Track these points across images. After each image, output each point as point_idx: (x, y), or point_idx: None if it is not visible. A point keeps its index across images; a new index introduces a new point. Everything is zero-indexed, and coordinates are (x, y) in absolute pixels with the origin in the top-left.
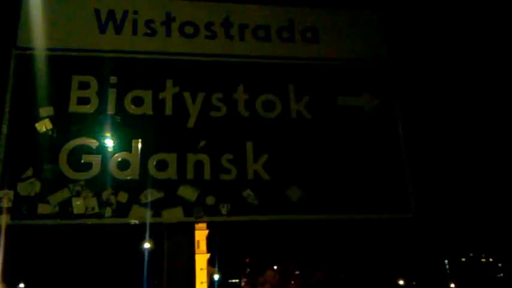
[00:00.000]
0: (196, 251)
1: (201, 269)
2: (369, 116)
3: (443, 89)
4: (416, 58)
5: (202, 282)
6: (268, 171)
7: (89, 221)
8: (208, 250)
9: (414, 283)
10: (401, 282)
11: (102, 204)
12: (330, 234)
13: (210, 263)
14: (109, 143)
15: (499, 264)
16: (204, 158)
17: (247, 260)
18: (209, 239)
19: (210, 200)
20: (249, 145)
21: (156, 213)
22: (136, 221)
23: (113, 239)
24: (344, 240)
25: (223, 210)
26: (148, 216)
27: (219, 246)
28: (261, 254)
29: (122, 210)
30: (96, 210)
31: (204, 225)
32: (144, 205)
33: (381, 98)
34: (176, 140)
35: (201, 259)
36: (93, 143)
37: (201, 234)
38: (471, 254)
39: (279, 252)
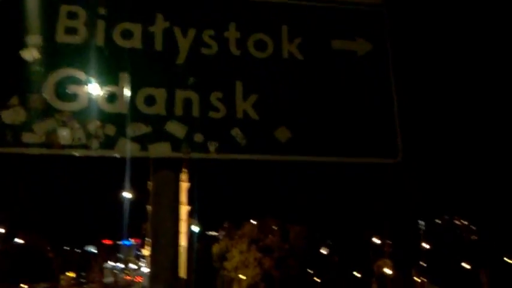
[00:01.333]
0: None
1: (181, 219)
2: (362, 61)
3: (437, 36)
4: (411, 4)
5: (181, 232)
6: (257, 111)
7: (76, 152)
8: (189, 203)
9: (389, 242)
10: (377, 241)
11: (89, 136)
12: (309, 190)
13: (190, 215)
14: (96, 75)
15: (473, 227)
16: (193, 95)
17: (226, 218)
18: (190, 192)
19: (198, 138)
20: (239, 84)
21: (143, 148)
22: (123, 155)
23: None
24: (323, 197)
25: (212, 148)
26: (135, 150)
27: (199, 200)
28: (240, 209)
29: (109, 142)
30: (83, 141)
31: (185, 177)
32: (132, 139)
33: (374, 44)
34: (165, 75)
35: (182, 211)
36: (80, 74)
37: (182, 186)
38: (446, 217)
39: (257, 208)
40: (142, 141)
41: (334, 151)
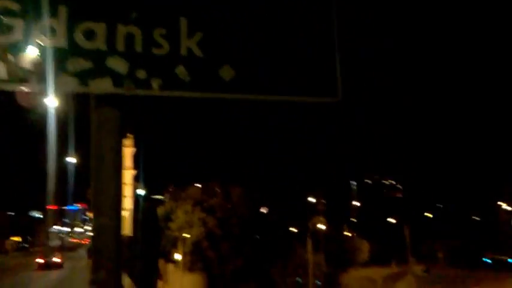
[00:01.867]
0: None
1: (126, 183)
2: (305, 1)
3: None
4: None
5: (125, 196)
6: (202, 49)
7: (11, 87)
8: (134, 168)
9: (323, 201)
10: (312, 200)
11: (26, 70)
12: (251, 156)
13: (136, 180)
14: (33, 6)
15: (399, 186)
16: (135, 30)
17: (171, 183)
18: (135, 157)
19: (141, 74)
20: (183, 21)
21: (83, 83)
22: (62, 90)
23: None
24: (259, 162)
25: (155, 85)
26: (74, 85)
27: (144, 164)
28: (184, 173)
29: (47, 77)
30: (21, 76)
31: (130, 142)
32: (71, 74)
33: None
34: (106, 9)
35: (127, 175)
36: (15, 5)
37: (127, 152)
38: (375, 177)
39: (202, 173)
40: (82, 76)
41: (276, 90)
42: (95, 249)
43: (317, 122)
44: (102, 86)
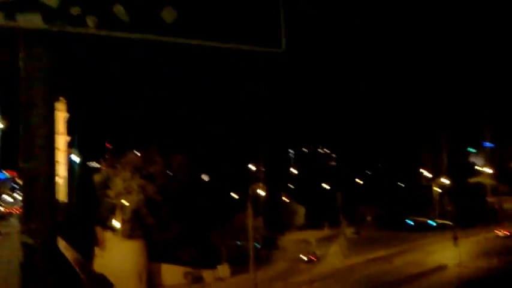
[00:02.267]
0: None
1: (59, 149)
2: None
3: None
4: None
5: (58, 162)
6: None
7: None
8: (69, 133)
9: (263, 168)
10: (252, 167)
11: None
12: (191, 122)
13: (70, 146)
14: None
15: (333, 155)
16: None
17: (108, 145)
18: (69, 123)
19: (75, 10)
20: None
21: (10, 16)
22: None
23: None
24: (201, 129)
25: (90, 23)
26: (1, 18)
27: (79, 131)
28: (122, 139)
29: None
30: None
31: (63, 107)
32: None
33: None
34: None
35: (60, 140)
36: None
37: (60, 116)
38: (312, 146)
39: (141, 138)
40: (8, 8)
41: (220, 36)
42: (25, 199)
43: (256, 92)
44: (31, 20)
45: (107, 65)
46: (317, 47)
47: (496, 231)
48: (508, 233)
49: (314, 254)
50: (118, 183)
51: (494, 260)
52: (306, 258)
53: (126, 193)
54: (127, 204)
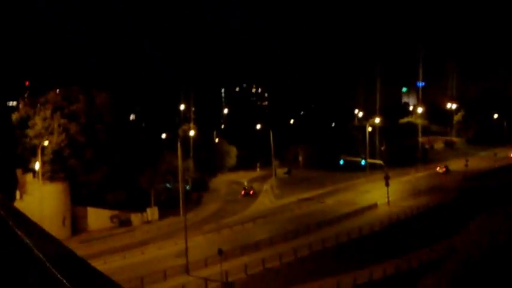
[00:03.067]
0: None
1: None
2: None
3: None
4: None
5: None
6: None
7: None
8: None
9: (193, 109)
10: (182, 107)
11: None
12: (115, 56)
13: None
14: None
15: (266, 94)
16: None
17: (27, 83)
18: None
19: None
20: None
21: None
22: None
23: None
24: (127, 64)
25: None
26: None
27: None
28: (42, 76)
29: None
30: None
31: None
32: None
33: None
34: None
35: None
36: None
37: None
38: (244, 85)
39: (62, 76)
40: None
41: None
42: None
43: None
44: None
45: None
46: (245, 4)
47: (437, 168)
48: (444, 169)
49: (252, 188)
50: (38, 123)
51: (422, 198)
52: (243, 193)
53: (47, 133)
54: (48, 144)
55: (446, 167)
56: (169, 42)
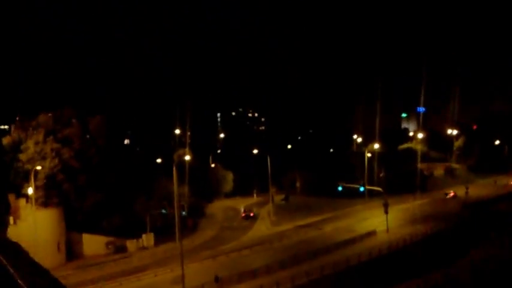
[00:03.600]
0: None
1: None
2: None
3: None
4: None
5: None
6: None
7: None
8: None
9: (188, 133)
10: (177, 131)
11: None
12: (108, 78)
13: None
14: None
15: (262, 119)
16: None
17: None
18: None
19: None
20: None
21: None
22: None
23: None
24: (121, 89)
25: None
26: None
27: None
28: (33, 99)
29: None
30: None
31: None
32: None
33: None
34: None
35: None
36: None
37: None
38: (240, 109)
39: (53, 99)
40: None
41: None
42: None
43: (182, 51)
44: None
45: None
46: (245, 4)
47: (447, 193)
48: (453, 193)
49: (251, 211)
50: (30, 147)
51: (419, 226)
52: (243, 215)
53: (40, 158)
54: (41, 169)
55: (454, 192)
56: (165, 60)
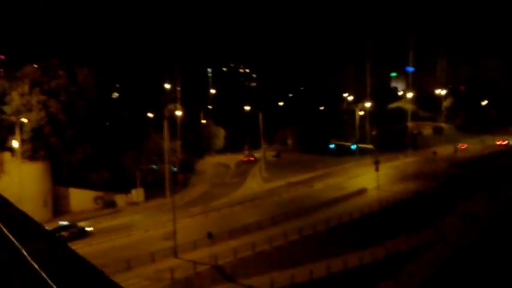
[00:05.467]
0: None
1: None
2: None
3: None
4: None
5: None
6: None
7: None
8: None
9: (179, 88)
10: (167, 86)
11: None
12: (98, 30)
13: None
14: None
15: (254, 75)
16: None
17: (2, 57)
18: None
19: None
20: None
21: None
22: None
23: None
24: (111, 39)
25: None
26: None
27: None
28: (19, 49)
29: None
30: None
31: None
32: None
33: None
34: None
35: None
36: None
37: None
38: (232, 65)
39: (40, 48)
40: None
41: None
42: None
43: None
44: None
45: None
46: None
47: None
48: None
49: (252, 155)
50: (15, 99)
51: (410, 184)
52: (245, 159)
53: (26, 110)
54: (27, 121)
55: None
56: (155, 16)
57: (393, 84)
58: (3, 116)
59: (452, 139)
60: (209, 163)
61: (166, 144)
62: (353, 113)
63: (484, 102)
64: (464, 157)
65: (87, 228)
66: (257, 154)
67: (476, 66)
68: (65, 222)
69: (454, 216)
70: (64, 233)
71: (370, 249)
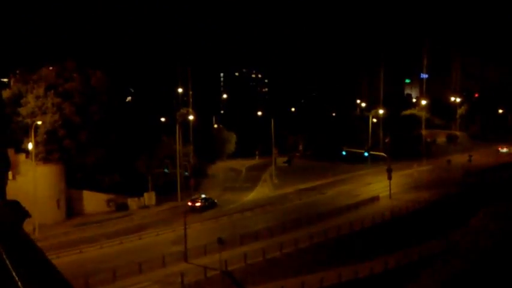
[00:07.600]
0: None
1: None
2: None
3: None
4: None
5: None
6: None
7: None
8: None
9: (191, 92)
10: (179, 90)
11: None
12: (112, 34)
13: None
14: None
15: (266, 80)
16: None
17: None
18: None
19: None
20: None
21: None
22: None
23: None
24: (124, 44)
25: None
26: None
27: None
28: (34, 52)
29: None
30: None
31: None
32: None
33: None
34: None
35: None
36: None
37: None
38: (244, 70)
39: (55, 52)
40: None
41: None
42: None
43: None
44: None
45: None
46: None
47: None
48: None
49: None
50: (30, 101)
51: (423, 193)
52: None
53: (41, 113)
54: (41, 124)
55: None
56: (169, 20)
57: (407, 90)
58: (19, 118)
59: (467, 147)
60: (220, 168)
61: (179, 148)
62: (366, 119)
63: (500, 111)
64: (481, 166)
65: (216, 201)
66: (267, 160)
67: (492, 73)
68: (203, 195)
69: (466, 227)
70: (202, 203)
71: (382, 258)
